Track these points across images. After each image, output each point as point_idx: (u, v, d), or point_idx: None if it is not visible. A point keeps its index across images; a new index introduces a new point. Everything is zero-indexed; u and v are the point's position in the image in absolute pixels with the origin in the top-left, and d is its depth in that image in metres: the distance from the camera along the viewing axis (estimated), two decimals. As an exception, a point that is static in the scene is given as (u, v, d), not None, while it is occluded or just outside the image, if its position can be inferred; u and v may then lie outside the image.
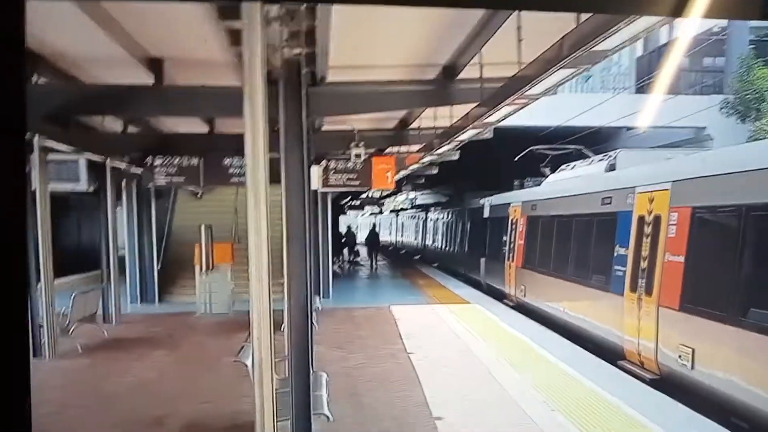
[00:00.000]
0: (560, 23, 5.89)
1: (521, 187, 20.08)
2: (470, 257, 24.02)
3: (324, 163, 12.87)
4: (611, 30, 4.84)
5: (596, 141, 21.84)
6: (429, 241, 35.57)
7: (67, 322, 11.66)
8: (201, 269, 15.46)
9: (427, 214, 37.34)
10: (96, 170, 13.89)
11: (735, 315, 7.70)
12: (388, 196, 47.36)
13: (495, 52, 8.03)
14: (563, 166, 16.97)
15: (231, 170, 12.87)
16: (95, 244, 15.73)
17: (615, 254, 11.28)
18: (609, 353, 10.84)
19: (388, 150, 15.78)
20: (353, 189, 14.55)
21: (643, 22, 4.58)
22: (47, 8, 5.93)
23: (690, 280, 8.90)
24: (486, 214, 21.95)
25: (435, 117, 12.64)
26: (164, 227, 19.42)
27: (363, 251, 34.34)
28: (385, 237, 48.47)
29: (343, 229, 35.50)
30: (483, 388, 8.80)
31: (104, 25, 7.23)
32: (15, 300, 1.29)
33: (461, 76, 9.34)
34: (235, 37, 5.60)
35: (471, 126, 10.22)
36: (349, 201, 38.70)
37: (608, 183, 12.49)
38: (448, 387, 8.88)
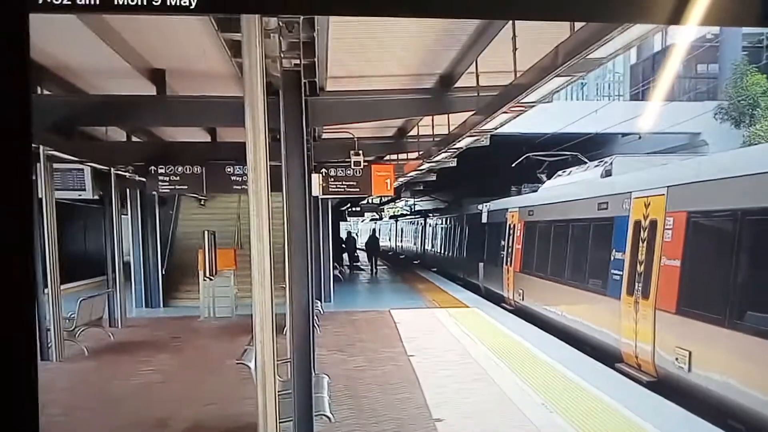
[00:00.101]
0: (555, 32, 6.01)
1: (518, 193, 20.17)
2: (469, 262, 24.10)
3: (324, 170, 13.00)
4: (605, 38, 4.89)
5: (592, 147, 21.93)
6: (428, 246, 35.62)
7: (74, 326, 11.83)
8: (204, 274, 15.60)
9: (426, 219, 37.41)
10: (101, 178, 14.04)
11: (731, 318, 7.74)
12: (388, 202, 47.49)
13: (491, 61, 8.18)
14: (560, 173, 17.08)
15: (233, 178, 12.98)
16: (101, 250, 15.85)
17: (612, 258, 11.34)
18: (606, 356, 10.91)
19: (387, 157, 15.94)
20: (353, 196, 14.66)
21: (637, 30, 4.63)
22: (51, 22, 6.05)
23: (686, 283, 8.94)
24: (484, 219, 22.06)
25: (433, 125, 12.81)
26: (168, 234, 19.60)
27: (363, 256, 34.40)
28: (384, 242, 48.53)
29: (343, 235, 35.58)
30: (482, 391, 8.88)
31: (107, 38, 7.37)
32: (23, 304, 1.34)
33: (458, 84, 9.48)
34: (235, 49, 5.71)
35: (468, 133, 10.33)
36: (349, 207, 38.73)
37: (604, 188, 12.56)
38: (447, 389, 8.94)
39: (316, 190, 12.26)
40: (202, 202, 20.47)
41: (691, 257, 8.97)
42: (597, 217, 12.41)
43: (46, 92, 9.18)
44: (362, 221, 65.09)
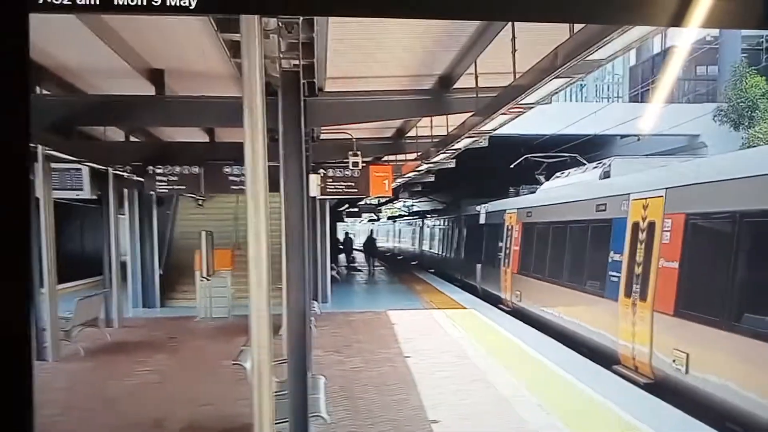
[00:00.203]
0: (554, 33, 6.01)
1: (517, 194, 20.21)
2: (466, 263, 24.13)
3: (322, 171, 13.00)
4: (605, 39, 4.86)
5: (591, 149, 21.97)
6: (426, 247, 35.66)
7: (71, 326, 11.80)
8: (202, 275, 15.60)
9: (423, 220, 37.46)
10: (99, 178, 14.03)
11: (729, 320, 7.76)
12: (386, 203, 47.47)
13: (490, 62, 8.18)
14: (558, 174, 17.11)
15: (231, 178, 12.97)
16: (98, 250, 15.83)
17: (610, 260, 11.37)
18: (604, 358, 10.92)
19: (385, 158, 15.94)
20: (351, 196, 14.65)
21: (637, 31, 4.61)
22: (51, 22, 6.04)
23: (684, 285, 8.96)
24: (482, 220, 22.09)
25: (431, 126, 12.81)
26: (166, 234, 19.61)
27: (360, 257, 34.40)
28: (382, 243, 48.54)
29: (341, 236, 35.60)
30: (479, 392, 8.89)
31: (106, 38, 7.37)
32: (19, 304, 1.34)
33: (457, 85, 9.48)
34: (234, 49, 5.70)
35: (467, 135, 10.34)
36: (347, 208, 38.76)
37: (603, 190, 12.59)
38: (444, 390, 8.95)
39: (314, 191, 12.24)
40: (200, 203, 20.46)
41: (690, 259, 8.99)
42: (595, 218, 12.43)
43: (45, 92, 9.17)
44: (360, 222, 65.13)
